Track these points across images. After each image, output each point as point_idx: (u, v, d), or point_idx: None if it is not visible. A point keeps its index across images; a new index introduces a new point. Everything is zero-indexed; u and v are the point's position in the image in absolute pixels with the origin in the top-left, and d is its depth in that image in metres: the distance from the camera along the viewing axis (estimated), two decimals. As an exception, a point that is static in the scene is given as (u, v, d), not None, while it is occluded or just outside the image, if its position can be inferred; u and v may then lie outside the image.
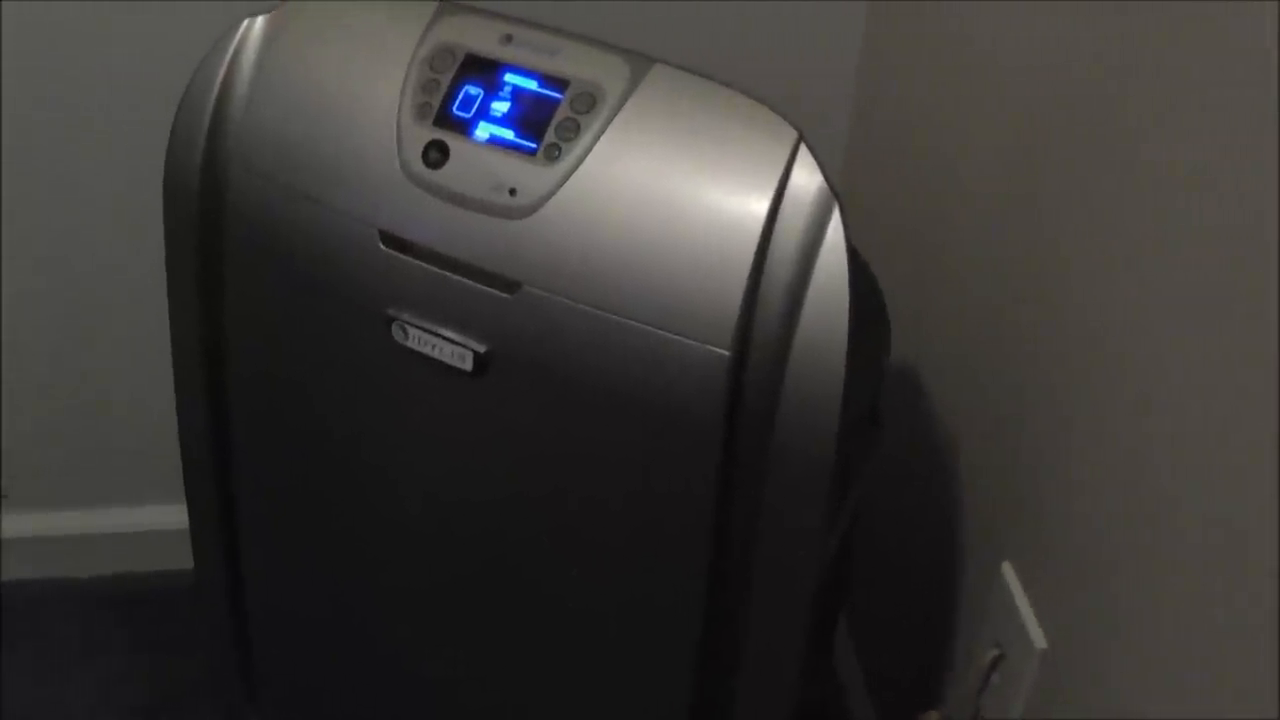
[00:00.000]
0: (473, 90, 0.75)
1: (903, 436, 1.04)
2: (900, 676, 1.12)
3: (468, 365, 0.75)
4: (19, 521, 1.32)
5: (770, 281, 0.68)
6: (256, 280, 0.83)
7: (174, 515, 1.03)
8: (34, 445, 1.29)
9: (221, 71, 0.81)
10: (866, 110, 1.16)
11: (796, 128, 0.69)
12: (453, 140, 0.74)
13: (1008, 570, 0.87)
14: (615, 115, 0.72)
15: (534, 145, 0.73)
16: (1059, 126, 0.81)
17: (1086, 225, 0.78)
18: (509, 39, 0.76)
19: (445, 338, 0.75)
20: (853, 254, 0.70)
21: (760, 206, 0.68)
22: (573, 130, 0.72)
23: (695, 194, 0.70)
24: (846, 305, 0.68)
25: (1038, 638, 0.83)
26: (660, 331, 0.70)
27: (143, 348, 1.19)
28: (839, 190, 0.69)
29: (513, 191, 0.73)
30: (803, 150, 0.69)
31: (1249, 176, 0.61)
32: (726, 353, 0.69)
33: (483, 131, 0.74)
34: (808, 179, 0.69)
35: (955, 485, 0.97)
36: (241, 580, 1.04)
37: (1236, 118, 0.62)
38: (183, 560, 1.06)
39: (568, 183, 0.71)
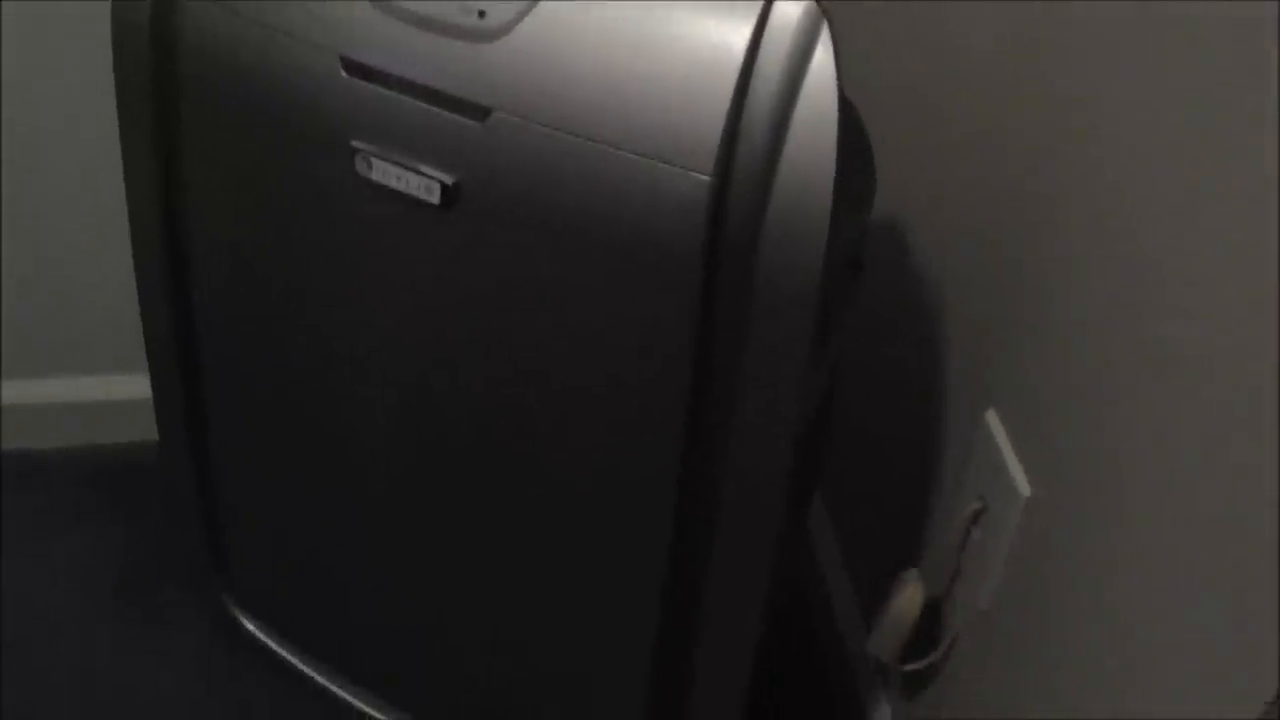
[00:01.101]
0: (439, -95, 0.70)
1: (885, 288, 1.02)
2: (879, 548, 1.11)
3: (435, 198, 0.71)
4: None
5: (755, 102, 0.65)
6: (212, 115, 0.79)
7: (141, 385, 1.00)
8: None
9: None
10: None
11: (782, -59, 0.65)
12: (417, -43, 0.70)
13: (992, 418, 0.85)
14: (590, -72, 0.68)
15: (504, -38, 0.68)
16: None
17: (1081, 79, 0.75)
18: None
19: (411, 169, 0.71)
20: (841, 87, 0.66)
21: (745, 22, 0.65)
22: (545, -55, 0.68)
23: (674, 9, 0.66)
24: (835, 128, 0.65)
25: (1022, 485, 0.81)
26: (639, 157, 0.66)
27: (97, 212, 1.15)
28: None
29: (481, 13, 0.68)
30: (790, -35, 0.65)
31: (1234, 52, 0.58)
32: (708, 178, 0.65)
33: (449, -52, 0.70)
34: (795, -5, 0.65)
35: (937, 335, 0.95)
36: (208, 451, 1.01)
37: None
38: (152, 431, 1.03)
39: (540, 1, 0.67)
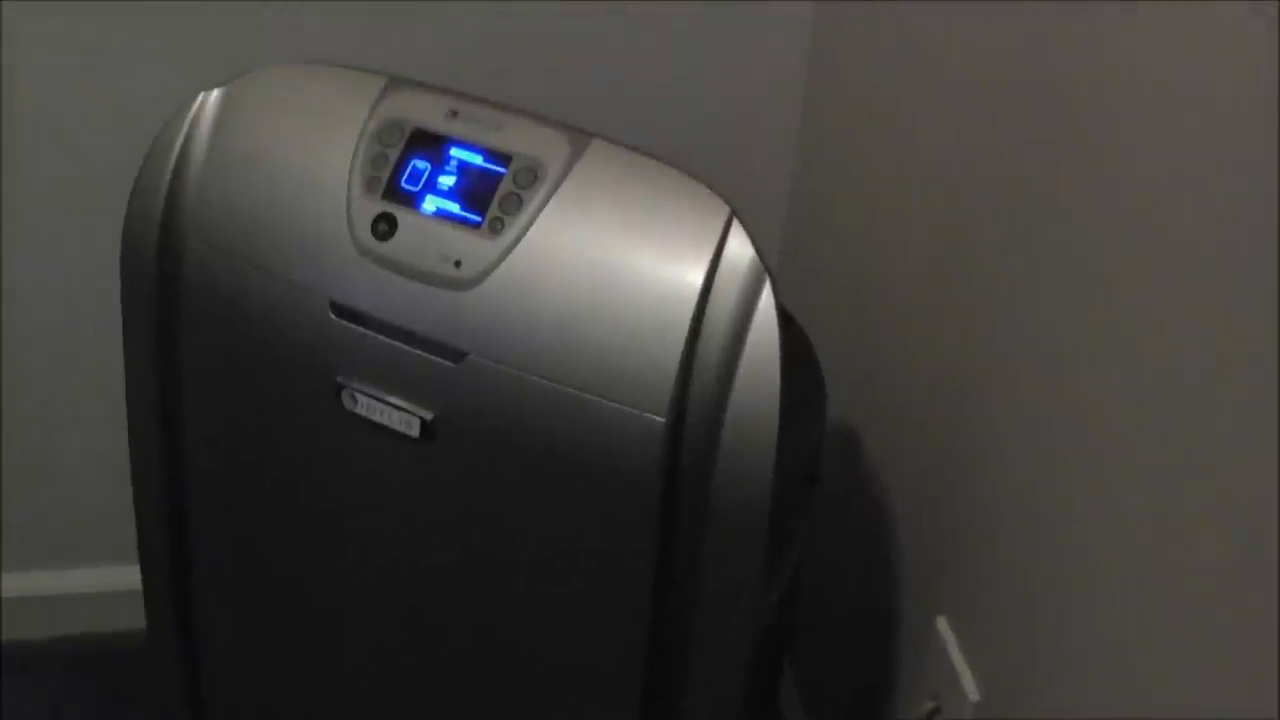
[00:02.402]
0: (420, 164, 0.78)
1: (842, 494, 1.07)
2: (845, 727, 1.14)
3: (415, 431, 0.77)
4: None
5: (705, 351, 0.71)
6: (211, 347, 0.85)
7: (122, 576, 1.04)
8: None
9: (178, 143, 0.83)
10: (806, 179, 1.19)
11: (729, 204, 0.72)
12: (401, 213, 0.77)
13: (942, 624, 0.89)
14: (556, 190, 0.75)
15: (479, 218, 0.75)
16: (986, 201, 0.85)
17: (1014, 293, 0.81)
18: (454, 114, 0.79)
19: (393, 404, 0.77)
20: (785, 322, 0.73)
21: (695, 279, 0.71)
22: (515, 204, 0.75)
23: (633, 267, 0.73)
24: (778, 373, 0.71)
25: (971, 690, 0.85)
26: (599, 399, 0.72)
27: (89, 412, 1.20)
28: (771, 263, 0.72)
29: (458, 263, 0.75)
30: (735, 225, 0.72)
31: (1180, 249, 0.64)
32: (663, 419, 0.71)
33: (430, 204, 0.77)
34: (740, 252, 0.72)
35: (892, 541, 1.00)
36: (195, 640, 1.05)
37: (1160, 188, 0.66)
38: (132, 620, 1.06)
39: (511, 255, 0.74)
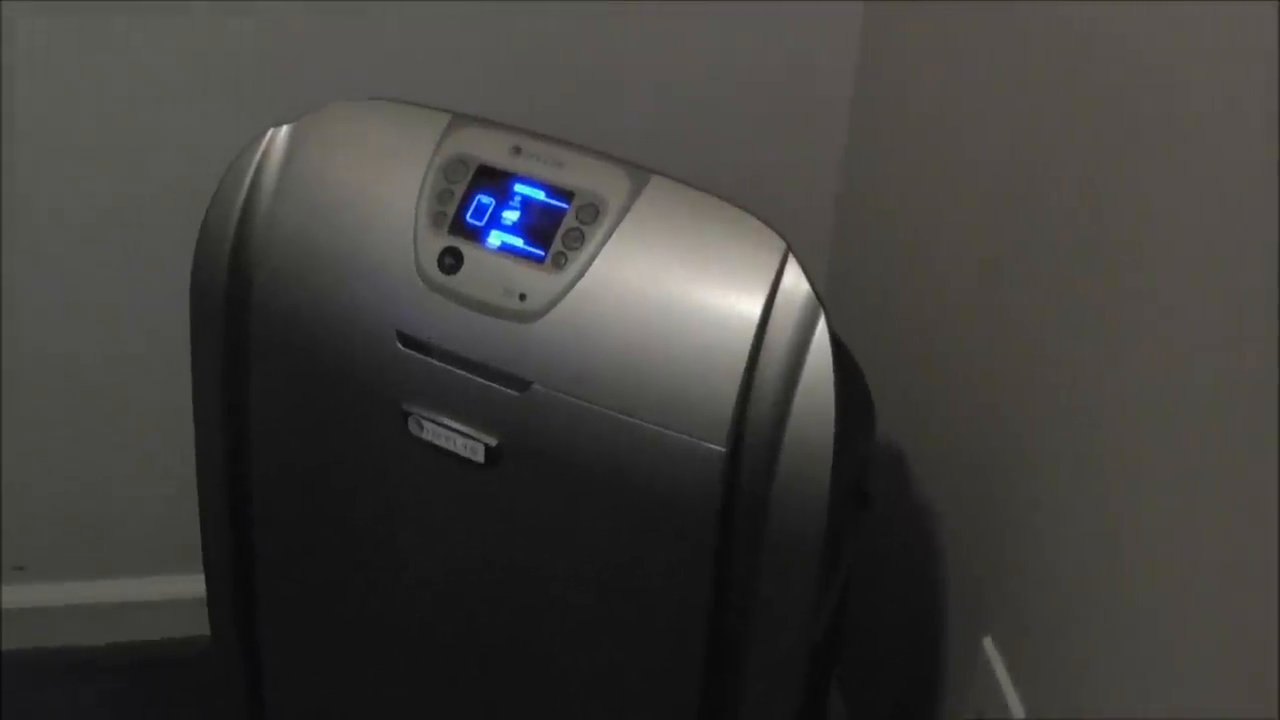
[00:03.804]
0: (485, 199, 0.81)
1: (891, 515, 1.09)
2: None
3: (479, 457, 0.80)
4: (34, 593, 1.37)
5: (762, 382, 0.74)
6: (279, 374, 0.88)
7: (180, 585, 1.07)
8: (46, 520, 1.34)
9: (248, 177, 0.86)
10: (852, 187, 1.21)
11: (784, 239, 0.75)
12: (466, 247, 0.80)
13: (989, 644, 0.92)
14: (617, 225, 0.77)
15: (542, 253, 0.78)
16: (1032, 225, 0.87)
17: (1061, 317, 0.84)
18: (518, 150, 0.82)
19: (459, 431, 0.80)
20: (837, 349, 0.75)
21: (752, 312, 0.74)
22: (578, 239, 0.78)
23: (692, 301, 0.75)
24: (833, 403, 0.74)
25: (1016, 708, 0.87)
26: (659, 429, 0.75)
27: (154, 428, 1.24)
28: (824, 293, 0.75)
29: (522, 296, 0.78)
30: (791, 260, 0.75)
31: (1222, 257, 0.66)
32: (722, 449, 0.74)
33: (494, 239, 0.80)
34: (795, 286, 0.74)
35: (939, 561, 1.02)
36: (256, 645, 1.08)
37: (1208, 204, 0.67)
38: (191, 628, 1.10)
39: (574, 289, 0.77)
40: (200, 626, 1.07)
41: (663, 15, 1.13)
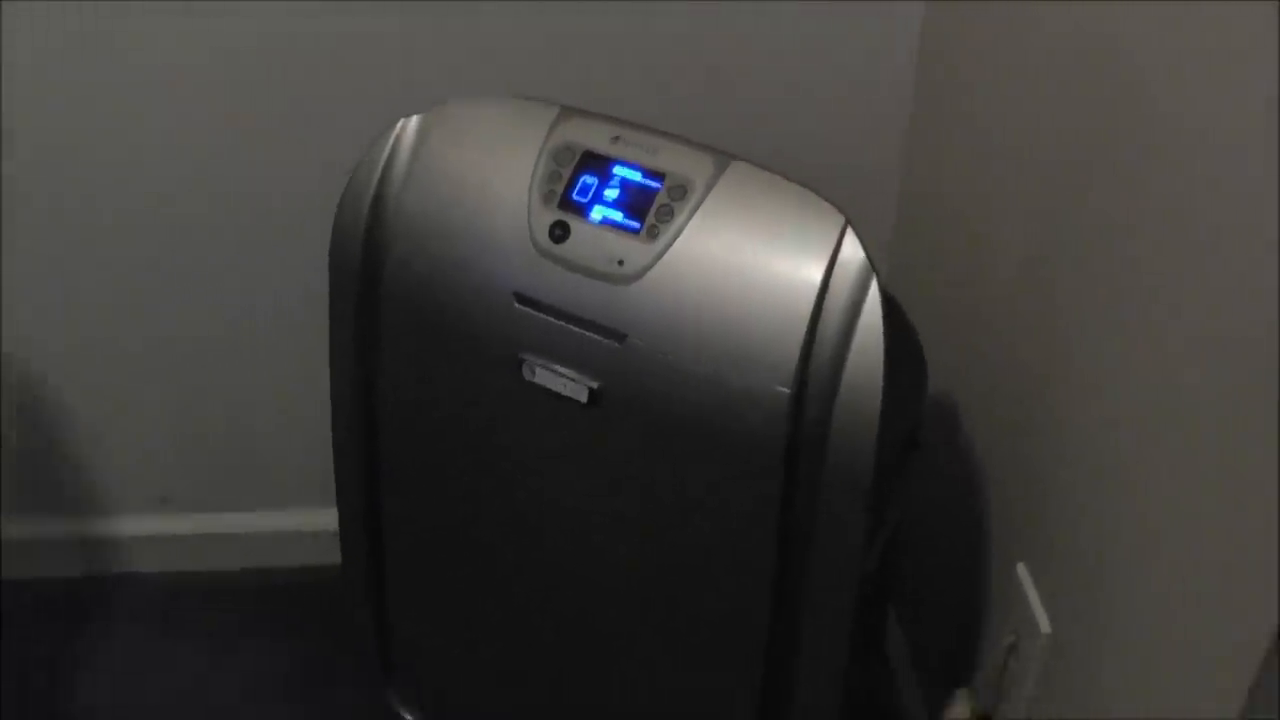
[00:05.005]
0: (588, 180, 0.94)
1: (941, 458, 1.22)
2: (939, 658, 1.30)
3: (583, 398, 0.94)
4: (180, 521, 1.54)
5: (822, 337, 0.87)
6: (408, 332, 1.01)
7: (314, 517, 1.21)
8: (193, 455, 1.50)
9: (382, 161, 0.98)
10: (914, 168, 1.33)
11: (844, 214, 0.88)
12: (573, 220, 0.93)
13: (1022, 569, 1.04)
14: (702, 202, 0.91)
15: (638, 225, 0.92)
16: (1078, 202, 0.97)
17: (1092, 283, 0.95)
18: (617, 139, 0.95)
19: (566, 375, 0.94)
20: (889, 309, 0.88)
21: (815, 275, 0.87)
22: (668, 214, 0.91)
23: (764, 267, 0.89)
24: (882, 353, 0.87)
25: (1044, 624, 1.00)
26: (735, 374, 0.89)
27: (291, 375, 1.39)
28: (882, 250, 0.86)
29: (620, 262, 0.92)
30: (849, 233, 0.87)
31: (1240, 243, 0.74)
32: (788, 390, 0.87)
33: (597, 214, 0.93)
34: (852, 255, 0.87)
35: (982, 497, 1.15)
36: (383, 576, 1.22)
37: (1239, 197, 0.75)
38: (322, 556, 1.23)
39: (664, 257, 0.90)
40: (332, 556, 1.20)
41: (739, 15, 1.25)
